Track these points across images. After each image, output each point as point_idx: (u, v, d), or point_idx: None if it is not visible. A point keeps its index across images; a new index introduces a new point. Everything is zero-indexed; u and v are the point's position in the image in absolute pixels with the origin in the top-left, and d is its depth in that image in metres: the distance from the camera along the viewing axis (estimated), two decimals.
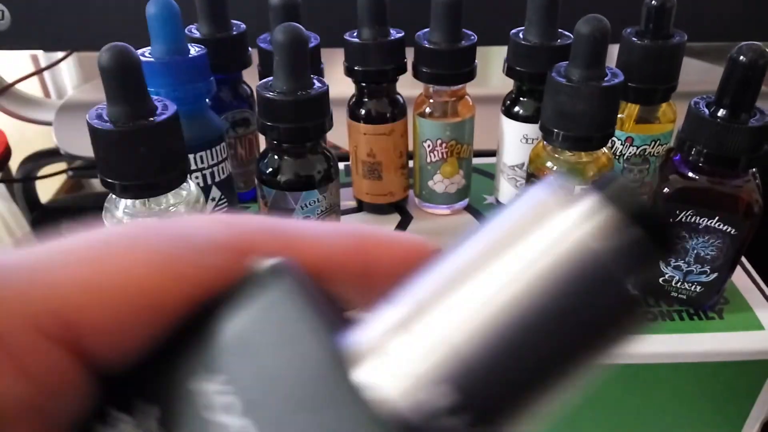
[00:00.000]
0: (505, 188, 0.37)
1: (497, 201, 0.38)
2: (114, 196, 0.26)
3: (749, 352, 0.28)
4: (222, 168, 0.33)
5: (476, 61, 0.34)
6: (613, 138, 0.34)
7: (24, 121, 0.73)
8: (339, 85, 0.35)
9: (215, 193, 0.33)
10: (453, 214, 0.38)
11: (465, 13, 0.32)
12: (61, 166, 0.65)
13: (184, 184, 0.27)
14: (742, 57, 0.25)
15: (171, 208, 0.26)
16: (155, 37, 0.30)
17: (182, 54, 0.30)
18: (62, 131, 0.65)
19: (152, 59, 0.29)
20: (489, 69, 0.69)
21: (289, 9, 0.33)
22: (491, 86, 0.63)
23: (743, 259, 0.33)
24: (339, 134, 0.37)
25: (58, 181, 0.64)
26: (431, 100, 0.35)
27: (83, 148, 0.66)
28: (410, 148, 0.37)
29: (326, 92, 0.28)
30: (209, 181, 0.33)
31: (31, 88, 0.82)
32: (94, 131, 0.24)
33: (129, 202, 0.26)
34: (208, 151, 0.32)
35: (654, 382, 0.29)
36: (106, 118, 0.24)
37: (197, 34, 0.34)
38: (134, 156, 0.24)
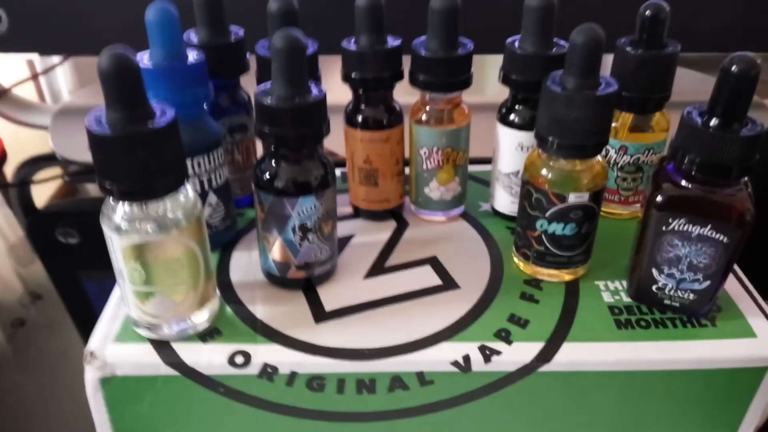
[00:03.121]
0: (501, 196, 0.37)
1: (493, 208, 0.38)
2: (111, 201, 0.26)
3: (742, 359, 0.28)
4: (219, 174, 0.33)
5: (472, 69, 0.34)
6: (607, 147, 0.34)
7: (20, 125, 0.73)
8: (336, 92, 0.35)
9: (212, 198, 0.33)
10: (449, 221, 0.38)
11: (462, 22, 0.33)
12: (57, 170, 0.65)
13: (182, 189, 0.27)
14: (734, 67, 0.26)
15: (169, 213, 0.26)
16: (153, 42, 0.30)
17: (180, 60, 0.30)
18: (59, 136, 0.65)
19: (150, 65, 0.30)
20: (485, 77, 0.69)
21: (287, 15, 0.34)
22: (487, 94, 0.63)
23: (735, 267, 0.33)
24: (336, 141, 0.37)
25: (53, 186, 0.64)
26: (427, 108, 0.35)
27: (79, 152, 0.66)
28: (407, 155, 0.37)
29: (324, 99, 0.29)
30: (206, 187, 0.33)
31: (27, 93, 0.82)
32: (92, 136, 0.24)
33: (126, 207, 0.26)
34: (206, 156, 0.32)
35: (647, 390, 0.29)
36: (104, 122, 0.24)
37: (195, 40, 0.34)
38: (132, 161, 0.25)
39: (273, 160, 0.30)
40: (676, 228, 0.28)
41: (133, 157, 0.25)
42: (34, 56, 0.88)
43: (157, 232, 0.26)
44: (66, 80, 0.86)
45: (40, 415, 0.39)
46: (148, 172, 0.25)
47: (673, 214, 0.28)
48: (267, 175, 0.30)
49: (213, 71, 0.33)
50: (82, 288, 0.51)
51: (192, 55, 0.31)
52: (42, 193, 0.62)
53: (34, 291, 0.50)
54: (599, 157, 0.30)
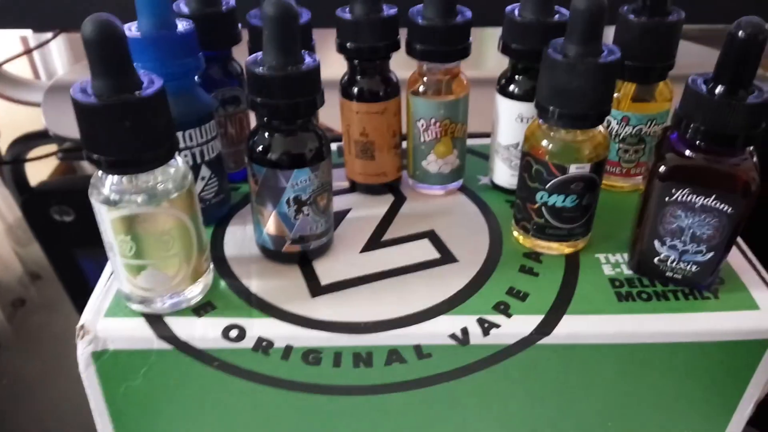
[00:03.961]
0: (500, 169, 0.37)
1: (492, 182, 0.38)
2: (100, 174, 0.26)
3: (744, 331, 0.28)
4: (212, 147, 0.33)
5: (471, 39, 0.33)
6: (609, 118, 0.33)
7: (13, 102, 0.72)
8: (331, 67, 0.34)
9: (205, 172, 0.33)
10: (447, 195, 0.37)
11: None
12: (51, 148, 0.64)
13: (172, 160, 0.26)
14: (741, 32, 0.25)
15: (159, 185, 0.26)
16: (141, 11, 0.29)
17: (169, 29, 0.30)
18: (51, 112, 0.64)
19: (138, 34, 0.29)
20: (483, 51, 0.68)
21: None
22: (486, 68, 0.62)
23: (739, 239, 0.32)
24: (331, 116, 0.36)
25: (48, 164, 0.63)
26: (425, 79, 0.34)
27: (73, 129, 0.66)
28: (404, 130, 0.36)
29: (318, 68, 0.28)
30: (198, 160, 0.32)
31: (21, 70, 0.81)
32: (77, 105, 0.23)
33: (116, 179, 0.25)
34: (198, 129, 0.31)
35: (647, 363, 0.29)
36: (90, 91, 0.24)
37: (185, 10, 0.33)
38: (120, 131, 0.24)
39: (266, 132, 0.29)
40: (679, 199, 0.27)
41: (121, 128, 0.24)
42: (28, 33, 0.87)
43: (147, 204, 0.25)
44: (60, 57, 0.85)
45: (40, 394, 0.39)
46: (137, 142, 0.24)
47: (676, 185, 0.27)
48: (260, 148, 0.29)
49: (204, 42, 0.32)
50: (78, 266, 0.51)
51: (181, 25, 0.30)
52: (37, 171, 0.62)
53: (34, 271, 0.49)
54: (601, 128, 0.29)
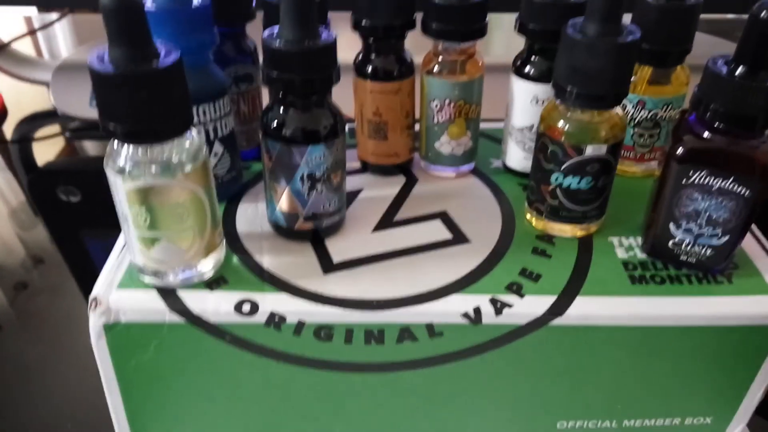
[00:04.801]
0: (513, 152, 0.36)
1: (504, 165, 0.38)
2: (116, 145, 0.25)
3: (757, 316, 0.28)
4: (225, 123, 0.32)
5: (487, 19, 0.33)
6: (624, 101, 0.33)
7: (20, 81, 0.72)
8: (345, 48, 0.34)
9: (218, 148, 0.33)
10: (459, 177, 0.37)
11: None
12: (58, 127, 0.64)
13: (187, 133, 0.26)
14: (763, 13, 0.25)
15: (174, 157, 0.26)
16: None
17: (184, 3, 0.29)
18: (60, 91, 0.64)
19: (153, 7, 0.29)
20: (491, 37, 0.68)
21: None
22: (494, 54, 0.62)
23: (753, 225, 0.32)
24: (344, 99, 0.36)
25: (55, 143, 0.63)
26: (440, 58, 0.34)
27: (81, 108, 0.65)
28: (417, 111, 0.36)
29: (334, 43, 0.28)
30: (212, 137, 0.32)
31: (25, 50, 0.80)
32: (94, 74, 0.23)
33: (131, 150, 0.25)
34: (211, 105, 0.31)
35: (660, 346, 0.29)
36: (107, 60, 0.23)
37: None
38: (136, 100, 0.24)
39: (281, 108, 0.29)
40: (696, 181, 0.27)
41: (137, 97, 0.24)
42: (33, 13, 0.87)
43: (161, 175, 0.25)
44: (64, 37, 0.84)
45: (42, 378, 0.39)
46: (153, 113, 0.24)
47: (694, 167, 0.27)
48: (275, 123, 0.29)
49: (218, 18, 0.31)
50: (84, 248, 0.51)
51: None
52: (43, 150, 0.61)
53: (37, 255, 0.49)
54: (618, 109, 0.29)
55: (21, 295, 0.45)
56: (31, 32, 0.82)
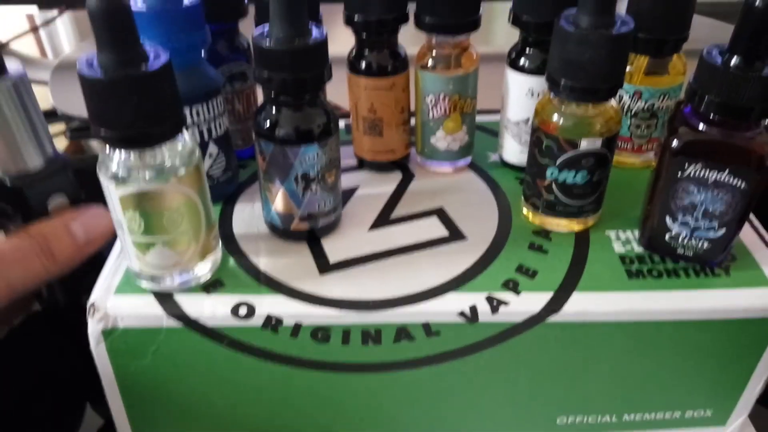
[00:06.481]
0: (510, 145, 0.36)
1: (501, 159, 0.37)
2: (108, 150, 0.25)
3: (756, 308, 0.28)
4: (219, 123, 0.32)
5: (481, 11, 0.33)
6: (621, 92, 0.33)
7: None
8: (338, 43, 0.34)
9: (212, 149, 0.33)
10: (456, 172, 0.37)
11: None
12: (59, 127, 0.64)
13: (180, 136, 0.26)
14: (758, 1, 0.24)
15: (166, 161, 0.26)
16: None
17: (175, 2, 0.29)
18: (59, 91, 0.64)
19: (143, 8, 0.28)
20: (493, 26, 0.67)
21: None
22: (495, 44, 0.61)
23: (751, 215, 0.32)
24: (340, 93, 0.36)
25: (56, 142, 0.63)
26: (434, 52, 0.34)
27: (81, 108, 0.65)
28: (412, 107, 0.36)
29: (325, 41, 0.27)
30: (206, 137, 0.32)
31: (28, 47, 0.80)
32: (83, 80, 0.23)
33: (124, 155, 0.25)
34: (205, 105, 0.31)
35: (657, 341, 0.28)
36: (96, 66, 0.23)
37: None
38: (126, 106, 0.24)
39: (273, 108, 0.29)
40: (692, 174, 0.27)
41: (127, 102, 0.24)
42: (34, 11, 0.87)
43: (155, 180, 0.25)
44: (67, 34, 0.84)
45: None
46: (143, 117, 0.24)
47: (689, 159, 0.27)
48: (268, 123, 0.29)
49: (210, 16, 0.31)
50: None
51: None
52: None
53: None
54: (613, 102, 0.29)
55: None
56: (33, 30, 0.82)
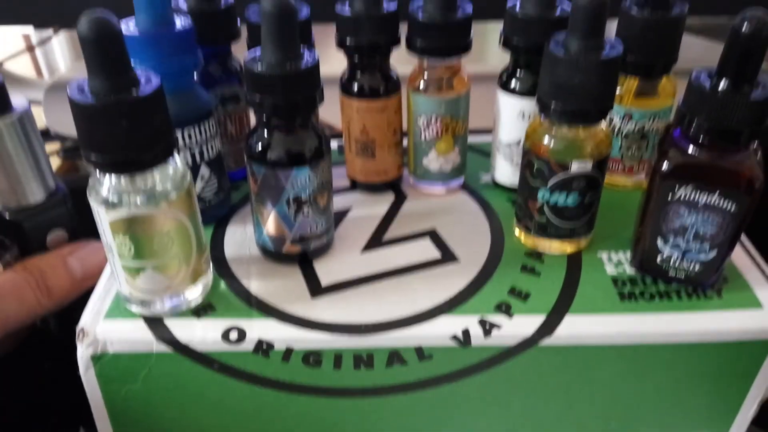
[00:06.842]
0: (502, 166, 0.36)
1: (493, 180, 0.37)
2: (98, 175, 0.25)
3: (748, 331, 0.28)
4: (211, 146, 0.32)
5: (472, 35, 0.33)
6: (611, 114, 0.33)
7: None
8: (331, 64, 0.34)
9: (204, 171, 0.33)
10: (448, 193, 0.37)
11: None
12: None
13: (171, 160, 0.26)
14: (744, 26, 0.24)
15: (157, 185, 0.25)
16: (139, 8, 0.28)
17: (168, 26, 0.29)
18: (52, 111, 0.64)
19: (136, 32, 0.28)
20: (486, 46, 0.68)
21: None
22: (489, 63, 0.62)
23: (743, 237, 0.32)
24: (332, 113, 0.36)
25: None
26: (425, 75, 0.34)
27: (74, 128, 0.65)
28: (405, 127, 0.36)
29: (317, 65, 0.27)
30: (198, 160, 0.32)
31: (24, 67, 0.80)
32: (74, 105, 0.23)
33: (114, 180, 0.25)
34: (197, 127, 0.31)
35: (650, 363, 0.28)
36: (87, 91, 0.23)
37: (184, 6, 0.33)
38: (117, 130, 0.24)
39: (265, 131, 0.29)
40: (682, 197, 0.27)
41: (118, 127, 0.24)
42: (30, 31, 0.87)
43: (145, 205, 0.25)
44: (63, 54, 0.84)
45: None
46: (134, 142, 0.24)
47: (679, 182, 0.27)
48: (259, 146, 0.29)
49: (202, 38, 0.31)
50: None
51: (180, 22, 0.30)
52: None
53: None
54: (603, 124, 0.29)
55: None
56: (29, 49, 0.82)
